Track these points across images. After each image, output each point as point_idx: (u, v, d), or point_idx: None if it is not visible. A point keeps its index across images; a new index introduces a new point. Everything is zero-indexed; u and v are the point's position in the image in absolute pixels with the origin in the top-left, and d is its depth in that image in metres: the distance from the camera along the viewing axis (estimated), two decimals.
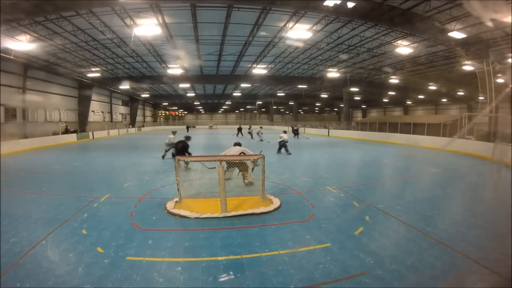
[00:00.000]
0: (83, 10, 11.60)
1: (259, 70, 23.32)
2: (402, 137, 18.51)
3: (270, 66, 23.39)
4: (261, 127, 24.30)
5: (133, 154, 14.66)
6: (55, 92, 23.22)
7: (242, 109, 67.96)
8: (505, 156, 9.80)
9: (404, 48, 16.46)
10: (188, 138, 9.77)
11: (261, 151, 6.61)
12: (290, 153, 12.75)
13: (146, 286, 2.88)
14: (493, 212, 5.18)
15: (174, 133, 11.69)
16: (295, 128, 26.07)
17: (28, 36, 13.92)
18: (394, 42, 16.24)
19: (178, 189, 5.45)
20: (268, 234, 4.14)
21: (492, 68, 14.07)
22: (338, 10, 11.21)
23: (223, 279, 3.01)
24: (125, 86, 28.19)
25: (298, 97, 42.21)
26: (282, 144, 12.99)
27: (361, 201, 5.73)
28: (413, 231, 4.17)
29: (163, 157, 11.48)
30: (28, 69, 18.79)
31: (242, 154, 6.85)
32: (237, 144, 7.56)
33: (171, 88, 37.35)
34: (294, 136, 23.73)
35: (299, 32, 13.95)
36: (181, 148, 9.10)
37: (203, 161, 6.47)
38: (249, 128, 26.15)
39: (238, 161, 6.46)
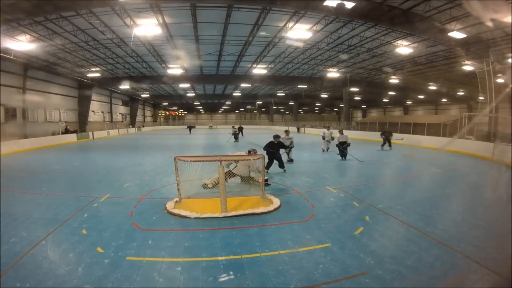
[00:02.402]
0: (83, 10, 11.60)
1: (259, 70, 23.31)
2: (402, 137, 18.48)
3: (270, 66, 23.39)
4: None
5: (133, 154, 14.67)
6: (55, 92, 23.23)
7: (242, 109, 67.99)
8: (505, 156, 9.80)
9: (404, 48, 16.46)
10: (277, 136, 9.15)
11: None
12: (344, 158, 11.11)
13: (146, 286, 2.88)
14: (493, 212, 5.18)
15: (287, 132, 11.16)
16: (386, 131, 15.04)
17: (28, 36, 13.92)
18: (394, 42, 16.24)
19: (178, 189, 5.46)
20: (268, 234, 4.14)
21: (492, 68, 14.09)
22: (338, 10, 11.20)
23: (223, 279, 3.01)
24: (125, 86, 28.20)
25: (298, 97, 42.21)
26: (344, 148, 11.00)
27: (361, 201, 5.73)
28: (413, 231, 4.16)
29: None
30: (28, 69, 18.80)
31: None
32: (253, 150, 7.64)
33: (171, 88, 37.34)
34: (384, 145, 14.61)
35: (299, 32, 13.95)
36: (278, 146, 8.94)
37: (203, 161, 6.48)
38: (233, 128, 22.62)
39: (247, 176, 6.69)
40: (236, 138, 20.94)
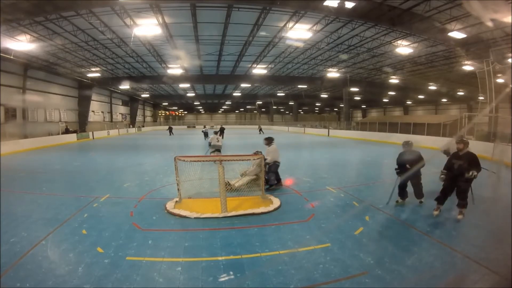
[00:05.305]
0: (83, 10, 11.60)
1: (259, 70, 23.31)
2: (402, 137, 18.31)
3: (270, 66, 23.38)
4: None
5: (133, 154, 14.66)
6: (55, 92, 23.23)
7: (242, 109, 67.97)
8: (505, 156, 9.80)
9: (404, 48, 16.46)
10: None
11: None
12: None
13: (146, 286, 2.88)
14: (493, 212, 5.17)
15: (408, 144, 6.59)
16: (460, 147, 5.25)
17: (28, 36, 13.92)
18: (394, 42, 16.24)
19: (178, 189, 5.46)
20: (268, 234, 4.13)
21: (492, 68, 14.07)
22: (338, 10, 11.20)
23: (223, 279, 3.01)
24: (125, 86, 28.20)
25: (298, 97, 42.20)
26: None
27: (361, 201, 5.73)
28: (413, 231, 4.17)
29: None
30: (28, 69, 18.80)
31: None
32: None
33: (171, 88, 37.34)
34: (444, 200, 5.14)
35: (299, 32, 13.95)
36: None
37: (203, 161, 6.48)
38: (204, 127, 23.55)
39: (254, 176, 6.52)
40: (206, 136, 21.90)
